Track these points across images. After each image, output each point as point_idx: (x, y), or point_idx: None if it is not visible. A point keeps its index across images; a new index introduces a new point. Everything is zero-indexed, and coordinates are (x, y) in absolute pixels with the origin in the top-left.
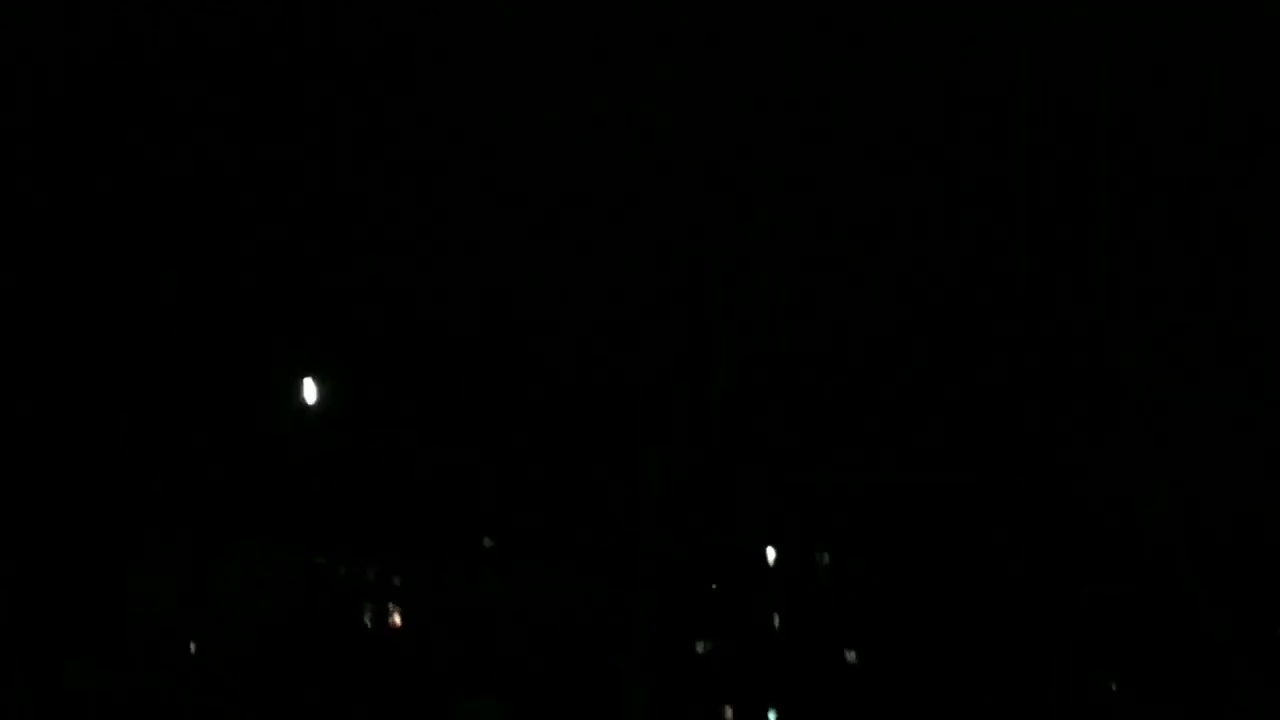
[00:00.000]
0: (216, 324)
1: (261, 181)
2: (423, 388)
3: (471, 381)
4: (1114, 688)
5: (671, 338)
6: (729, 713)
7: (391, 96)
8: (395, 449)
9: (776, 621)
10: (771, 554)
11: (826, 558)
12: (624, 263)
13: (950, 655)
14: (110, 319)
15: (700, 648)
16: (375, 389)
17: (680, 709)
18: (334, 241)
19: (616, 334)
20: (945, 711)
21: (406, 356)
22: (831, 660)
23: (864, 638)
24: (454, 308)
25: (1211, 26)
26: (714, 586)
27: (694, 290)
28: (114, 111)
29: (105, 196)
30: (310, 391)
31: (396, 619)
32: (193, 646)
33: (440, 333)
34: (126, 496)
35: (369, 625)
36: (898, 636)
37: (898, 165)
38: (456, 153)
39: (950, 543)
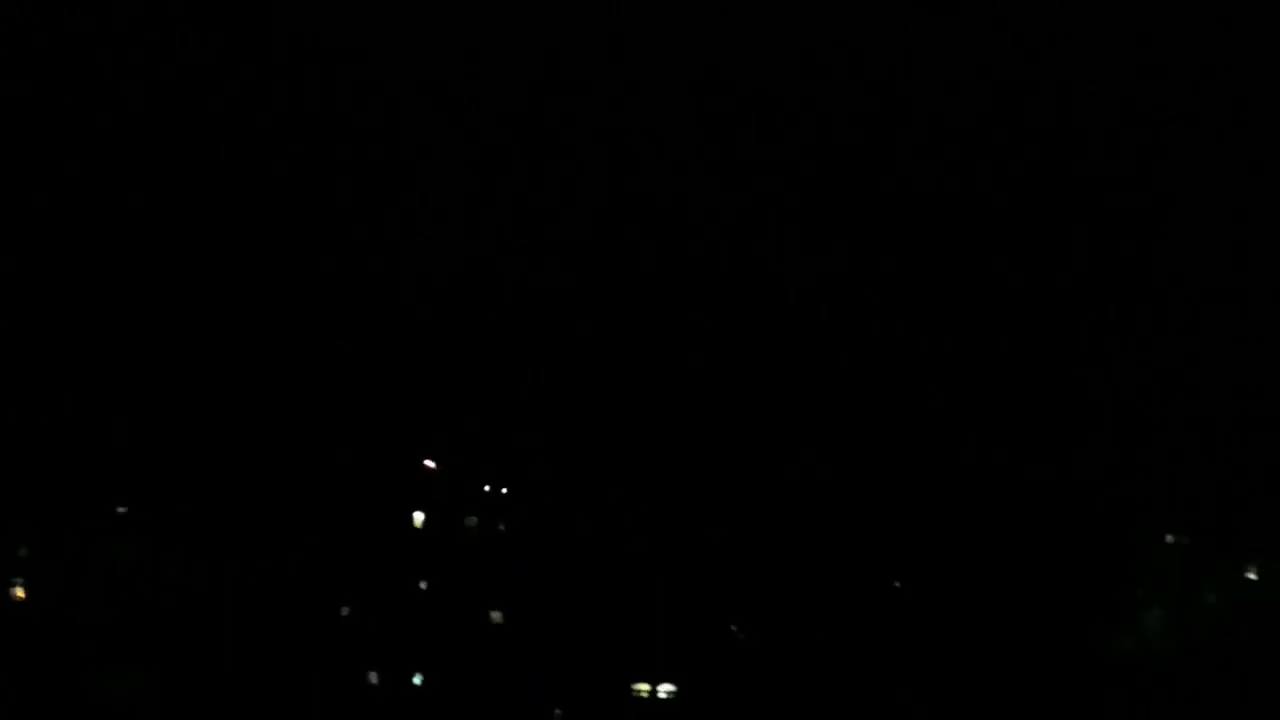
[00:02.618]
0: None
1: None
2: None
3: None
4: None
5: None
6: (373, 676)
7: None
8: (21, 416)
9: (423, 585)
10: (419, 518)
11: (474, 521)
12: None
13: (604, 611)
14: None
15: (345, 611)
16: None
17: (325, 673)
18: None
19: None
20: (599, 666)
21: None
22: (478, 621)
23: (510, 599)
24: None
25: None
26: (361, 552)
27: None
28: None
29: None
30: None
31: (20, 592)
32: None
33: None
34: None
35: None
36: (547, 595)
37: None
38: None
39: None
